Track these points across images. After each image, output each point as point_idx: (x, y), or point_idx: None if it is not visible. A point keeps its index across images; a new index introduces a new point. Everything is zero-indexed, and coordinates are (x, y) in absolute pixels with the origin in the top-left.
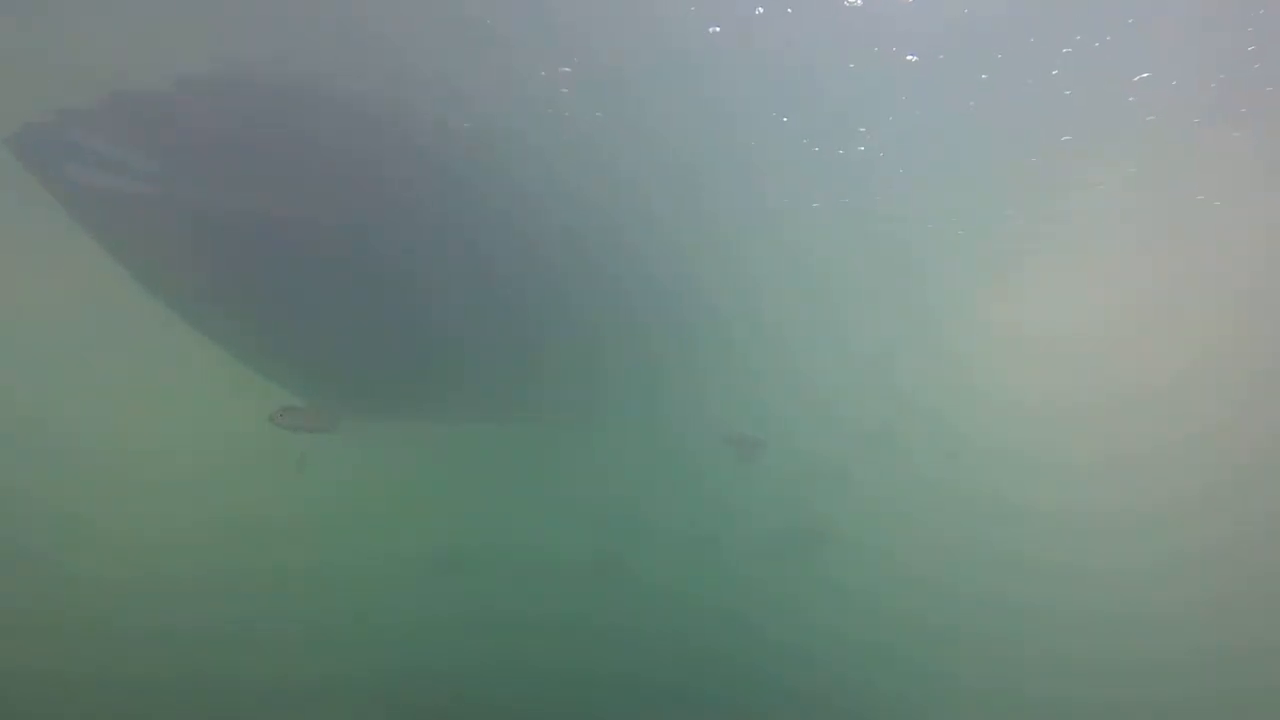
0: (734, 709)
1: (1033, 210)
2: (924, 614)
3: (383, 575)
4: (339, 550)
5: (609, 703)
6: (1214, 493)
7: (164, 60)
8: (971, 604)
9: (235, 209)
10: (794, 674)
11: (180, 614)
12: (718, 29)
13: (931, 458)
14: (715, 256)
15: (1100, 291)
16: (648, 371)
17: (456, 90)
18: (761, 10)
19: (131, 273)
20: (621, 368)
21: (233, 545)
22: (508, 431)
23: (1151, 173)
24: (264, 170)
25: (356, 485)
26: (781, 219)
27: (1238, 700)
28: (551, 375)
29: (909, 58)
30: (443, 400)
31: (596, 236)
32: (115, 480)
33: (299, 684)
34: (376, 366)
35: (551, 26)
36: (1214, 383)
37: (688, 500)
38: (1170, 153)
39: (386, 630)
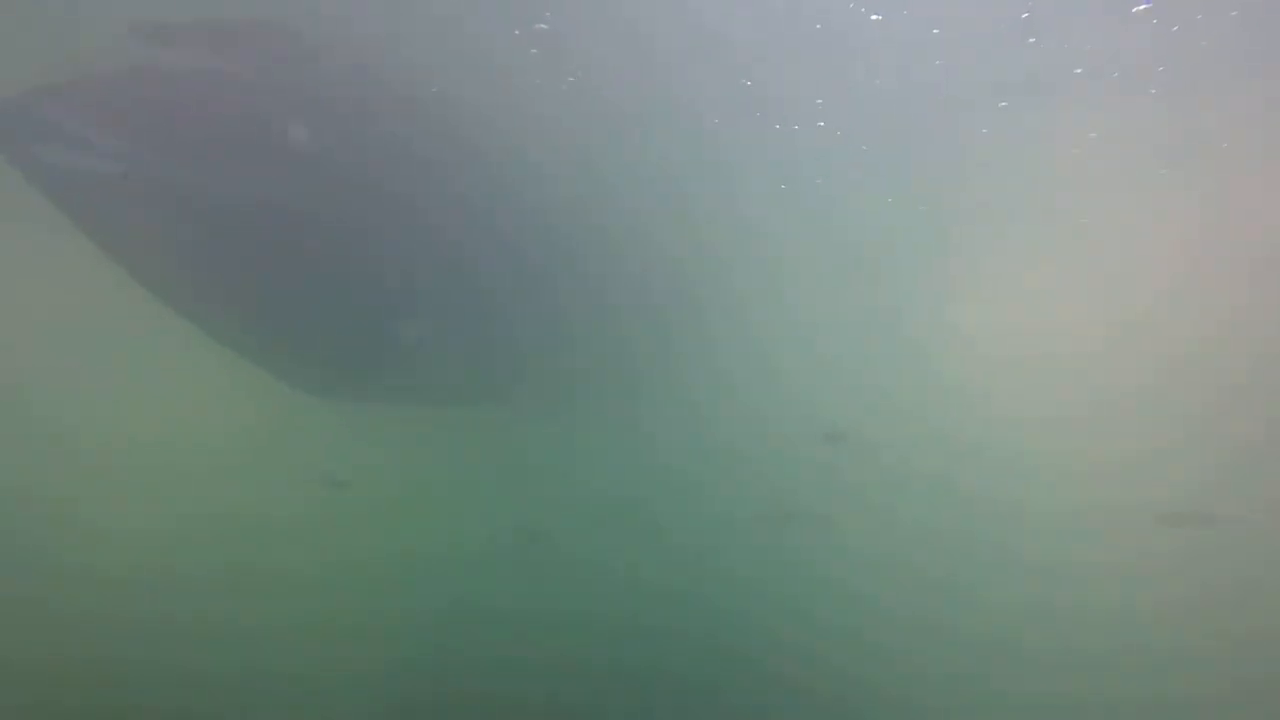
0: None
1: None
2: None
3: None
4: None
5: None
6: None
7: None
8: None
9: (208, 190)
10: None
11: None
12: None
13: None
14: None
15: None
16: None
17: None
18: None
19: (109, 256)
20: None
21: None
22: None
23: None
24: (235, 149)
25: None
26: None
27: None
28: (527, 357)
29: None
30: (421, 383)
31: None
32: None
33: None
34: (354, 348)
35: None
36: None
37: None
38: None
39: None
